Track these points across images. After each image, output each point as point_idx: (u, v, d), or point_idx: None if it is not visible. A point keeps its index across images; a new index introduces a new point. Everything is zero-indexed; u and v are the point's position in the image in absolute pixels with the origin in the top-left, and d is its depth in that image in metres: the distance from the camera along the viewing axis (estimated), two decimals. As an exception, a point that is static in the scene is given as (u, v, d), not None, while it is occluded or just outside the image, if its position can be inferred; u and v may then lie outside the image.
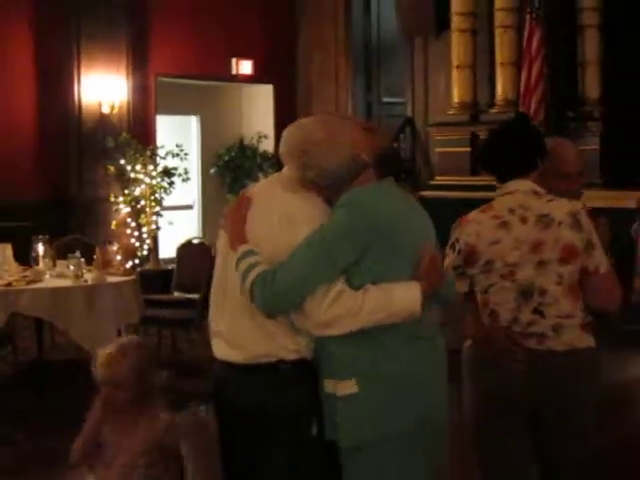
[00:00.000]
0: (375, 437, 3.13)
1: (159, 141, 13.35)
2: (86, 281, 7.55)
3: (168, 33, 13.44)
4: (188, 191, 14.52)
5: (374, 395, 3.12)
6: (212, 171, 14.84)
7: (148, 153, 12.51)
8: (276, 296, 3.05)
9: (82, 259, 7.67)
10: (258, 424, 3.18)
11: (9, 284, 7.33)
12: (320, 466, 3.21)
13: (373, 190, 3.19)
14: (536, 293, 3.69)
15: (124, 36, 12.88)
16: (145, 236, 12.74)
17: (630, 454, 4.54)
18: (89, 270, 7.72)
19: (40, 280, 7.52)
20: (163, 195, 12.70)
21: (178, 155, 12.79)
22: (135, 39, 13.05)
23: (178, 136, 13.80)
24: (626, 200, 9.68)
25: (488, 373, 3.78)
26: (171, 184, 12.70)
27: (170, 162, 12.75)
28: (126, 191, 12.55)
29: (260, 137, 14.74)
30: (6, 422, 6.79)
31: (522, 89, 11.04)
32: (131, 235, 12.69)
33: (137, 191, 12.54)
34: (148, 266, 12.48)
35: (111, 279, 7.76)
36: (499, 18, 11.70)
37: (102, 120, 12.74)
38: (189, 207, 15.08)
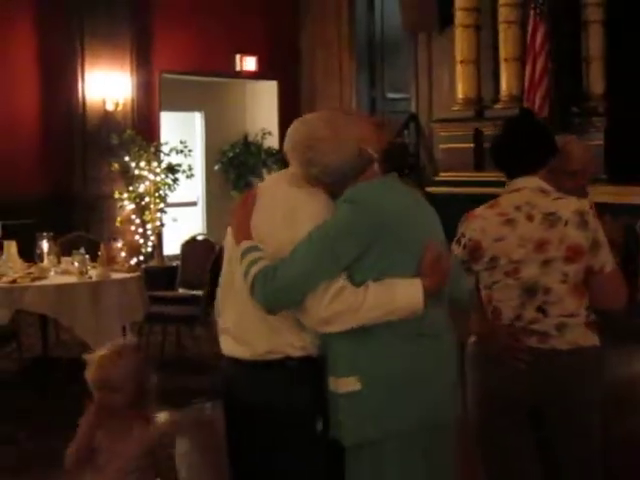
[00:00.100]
0: (377, 435, 3.13)
1: (163, 138, 13.35)
2: (91, 278, 7.55)
3: (172, 29, 13.43)
4: (192, 188, 14.52)
5: (375, 393, 3.11)
6: (216, 167, 14.83)
7: (152, 150, 12.52)
8: (277, 292, 3.04)
9: (87, 256, 7.67)
10: (266, 421, 3.18)
11: (14, 281, 7.34)
12: (325, 464, 3.21)
13: (377, 185, 3.18)
14: (540, 291, 3.68)
15: (128, 33, 12.88)
16: (149, 233, 12.75)
17: (634, 452, 4.54)
18: (94, 267, 7.72)
19: (45, 277, 7.52)
20: (167, 192, 12.71)
21: (182, 152, 12.79)
22: (139, 36, 13.05)
23: (182, 133, 13.79)
24: (631, 196, 9.67)
25: (491, 370, 3.77)
26: (175, 181, 12.71)
27: (174, 159, 12.75)
28: (130, 188, 12.56)
29: (264, 133, 14.73)
30: (9, 421, 6.80)
31: (526, 85, 11.03)
32: (135, 232, 12.70)
33: (141, 188, 12.55)
34: (152, 263, 12.49)
35: (115, 276, 7.76)
36: (503, 13, 11.68)
37: (106, 117, 12.75)
38: (193, 204, 15.09)
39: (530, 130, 3.87)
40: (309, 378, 3.18)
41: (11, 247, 7.84)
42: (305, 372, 3.17)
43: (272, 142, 14.59)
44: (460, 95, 12.16)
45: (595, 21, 11.56)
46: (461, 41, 12.06)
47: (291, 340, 3.16)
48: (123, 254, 8.54)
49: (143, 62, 13.14)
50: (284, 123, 13.83)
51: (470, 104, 12.14)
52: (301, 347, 3.16)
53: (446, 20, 12.53)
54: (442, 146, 12.51)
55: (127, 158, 12.47)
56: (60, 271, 7.73)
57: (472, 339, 3.88)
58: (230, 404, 3.32)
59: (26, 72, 12.44)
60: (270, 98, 14.90)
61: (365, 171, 3.20)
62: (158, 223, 12.74)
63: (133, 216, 12.69)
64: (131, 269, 8.29)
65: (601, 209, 3.84)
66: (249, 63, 14.50)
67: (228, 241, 3.31)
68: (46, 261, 7.83)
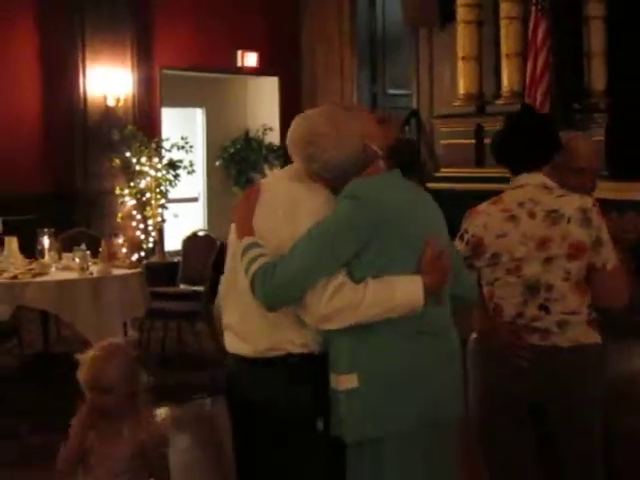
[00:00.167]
0: (376, 432, 3.12)
1: (164, 134, 13.35)
2: (92, 274, 7.56)
3: (173, 25, 13.43)
4: (193, 183, 14.54)
5: (375, 390, 3.10)
6: (217, 163, 14.84)
7: (153, 146, 12.52)
8: (276, 289, 3.04)
9: (88, 252, 7.67)
10: (268, 417, 3.18)
11: (15, 277, 7.34)
12: (326, 461, 3.21)
13: (377, 181, 3.17)
14: (542, 289, 3.67)
15: (129, 29, 12.88)
16: (150, 229, 12.75)
17: (635, 448, 4.53)
18: (95, 263, 7.72)
19: (46, 273, 7.53)
20: (168, 187, 12.70)
21: (183, 147, 12.79)
22: (140, 32, 13.04)
23: (183, 128, 13.80)
24: (633, 192, 9.65)
25: (492, 367, 3.77)
26: (176, 176, 12.71)
27: (175, 154, 12.75)
28: (131, 184, 12.56)
29: (265, 129, 14.73)
30: (10, 415, 6.81)
31: (527, 81, 11.00)
32: (136, 228, 12.70)
33: (142, 184, 12.55)
34: (154, 259, 12.49)
35: (117, 272, 7.77)
36: (504, 9, 11.65)
37: (107, 113, 12.75)
38: (194, 199, 15.10)
39: (534, 126, 3.85)
40: (310, 375, 3.18)
41: (12, 243, 7.84)
42: (306, 369, 3.18)
43: (273, 138, 14.59)
44: (461, 91, 12.14)
45: (596, 17, 11.53)
46: (462, 37, 12.03)
47: (292, 337, 3.16)
48: (124, 250, 8.56)
49: (144, 58, 13.14)
50: (285, 119, 13.83)
51: (471, 100, 12.11)
52: (302, 344, 3.16)
53: (447, 16, 12.51)
54: (443, 142, 12.48)
55: (128, 154, 12.47)
56: (61, 267, 7.74)
57: (474, 336, 3.88)
58: (233, 401, 3.33)
59: (27, 68, 12.43)
60: (271, 94, 14.89)
61: (368, 167, 3.19)
62: (159, 219, 12.74)
63: (134, 212, 12.69)
64: (132, 265, 8.29)
65: (604, 205, 3.81)
66: (250, 59, 14.49)
67: (232, 238, 3.31)
68: (47, 257, 7.84)
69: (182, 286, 9.16)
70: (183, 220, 13.04)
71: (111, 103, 12.73)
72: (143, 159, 12.45)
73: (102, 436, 3.60)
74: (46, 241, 7.92)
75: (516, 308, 3.71)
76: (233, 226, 3.30)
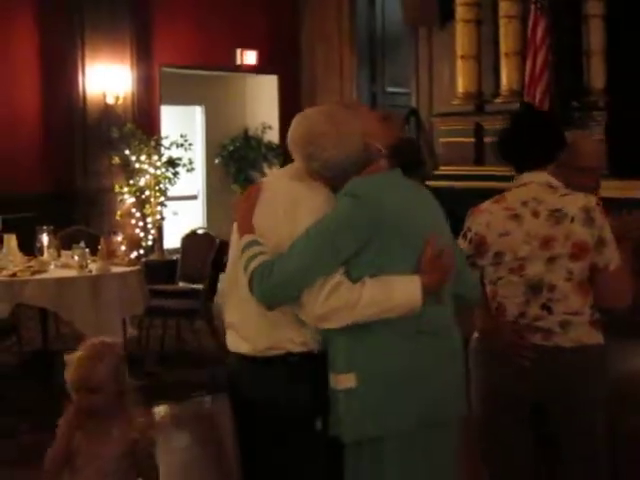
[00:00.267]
0: (375, 432, 3.12)
1: (163, 131, 13.35)
2: (91, 271, 7.55)
3: (172, 23, 13.42)
4: (192, 181, 14.54)
5: (373, 390, 3.10)
6: (216, 161, 14.85)
7: (152, 143, 12.52)
8: (274, 288, 3.04)
9: (87, 249, 7.66)
10: (267, 416, 3.19)
11: (14, 274, 7.34)
12: (325, 460, 3.21)
13: (378, 179, 3.17)
14: (545, 289, 3.65)
15: (128, 27, 12.87)
16: (150, 226, 12.75)
17: (638, 448, 4.53)
18: (94, 260, 7.72)
19: (45, 270, 7.52)
20: (167, 185, 12.71)
21: (182, 145, 12.79)
22: (139, 29, 13.04)
23: (182, 126, 13.80)
24: (634, 190, 9.65)
25: (494, 367, 3.76)
26: (175, 174, 12.71)
27: (174, 152, 12.75)
28: (131, 181, 12.56)
29: (264, 127, 14.73)
30: (9, 414, 6.81)
31: (527, 79, 11.00)
32: (136, 225, 12.70)
33: (142, 181, 12.55)
34: (153, 256, 12.49)
35: (116, 269, 7.76)
36: (503, 8, 11.65)
37: (107, 111, 12.74)
38: (193, 197, 15.10)
39: (538, 124, 3.84)
40: (310, 374, 3.18)
41: (11, 241, 7.83)
42: (306, 368, 3.18)
43: (272, 136, 14.59)
44: (460, 89, 12.14)
45: (596, 15, 11.53)
46: (462, 36, 12.03)
47: (291, 336, 3.16)
48: (123, 248, 8.54)
49: (143, 56, 13.13)
50: (284, 117, 13.83)
51: (470, 98, 12.11)
52: (301, 342, 3.16)
53: (447, 15, 12.51)
54: (442, 140, 12.48)
55: (127, 152, 12.47)
56: (60, 265, 7.73)
57: (476, 335, 3.87)
58: (234, 399, 3.34)
59: (27, 66, 12.43)
60: (270, 92, 14.89)
61: (369, 166, 3.19)
62: (158, 217, 12.75)
63: (133, 210, 12.69)
64: (131, 263, 8.28)
65: (606, 204, 3.80)
66: (249, 57, 14.49)
67: (234, 237, 3.31)
68: (46, 255, 7.83)
69: (181, 284, 9.16)
70: (182, 218, 13.04)
71: (110, 101, 12.72)
72: (142, 157, 12.45)
73: (90, 436, 3.57)
74: (45, 239, 7.91)
75: (519, 307, 3.70)
76: (235, 225, 3.31)
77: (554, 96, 10.98)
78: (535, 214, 3.69)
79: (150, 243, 12.80)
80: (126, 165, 12.53)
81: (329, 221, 3.06)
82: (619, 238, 3.75)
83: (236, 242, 3.25)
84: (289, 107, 13.65)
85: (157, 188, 12.59)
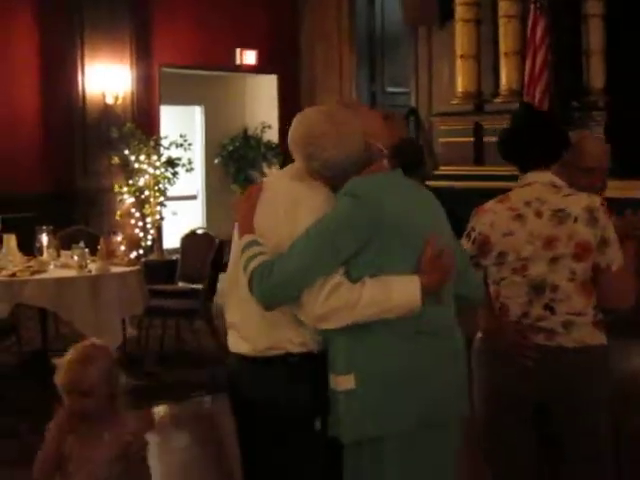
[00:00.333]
0: (375, 433, 3.11)
1: (163, 131, 13.35)
2: (90, 271, 7.55)
3: (172, 23, 13.42)
4: (192, 181, 14.54)
5: (372, 391, 3.09)
6: (216, 161, 14.85)
7: (152, 143, 12.52)
8: (273, 288, 3.03)
9: (86, 249, 7.66)
10: (267, 416, 3.18)
11: (13, 274, 7.34)
12: (324, 461, 3.20)
13: (378, 179, 3.16)
14: (548, 289, 3.64)
15: (128, 26, 12.88)
16: (149, 226, 12.75)
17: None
18: (93, 260, 7.71)
19: (44, 270, 7.52)
20: (167, 185, 12.70)
21: (182, 145, 12.79)
22: (139, 29, 13.04)
23: (182, 126, 13.80)
24: (635, 190, 9.65)
25: (497, 367, 3.74)
26: (175, 174, 12.71)
27: (174, 152, 12.75)
28: (130, 181, 12.56)
29: (264, 127, 14.73)
30: (10, 414, 6.80)
31: (526, 79, 11.01)
32: (135, 225, 12.70)
33: (141, 181, 12.55)
34: (152, 256, 12.49)
35: (115, 269, 7.76)
36: (503, 8, 11.66)
37: (106, 111, 12.74)
38: (193, 197, 15.10)
39: (541, 123, 3.82)
40: (310, 374, 3.17)
41: (11, 241, 7.83)
42: (306, 368, 3.17)
43: (272, 136, 14.59)
44: (460, 89, 12.14)
45: (595, 15, 11.55)
46: (461, 35, 12.04)
47: (290, 336, 3.15)
48: (123, 248, 8.53)
49: (143, 55, 13.13)
50: (284, 117, 13.84)
51: (470, 98, 12.12)
52: (301, 343, 3.16)
53: (446, 14, 12.52)
54: (442, 140, 12.49)
55: (127, 152, 12.47)
56: (60, 265, 7.73)
57: (479, 335, 3.85)
58: (234, 399, 3.33)
59: (26, 65, 12.43)
60: (270, 92, 14.89)
61: (369, 165, 3.18)
62: (158, 217, 12.75)
63: (133, 210, 12.69)
64: (131, 263, 8.28)
65: (608, 204, 3.77)
66: (249, 57, 14.49)
67: (236, 237, 3.31)
68: (45, 255, 7.83)
69: (181, 284, 9.15)
70: (182, 218, 13.04)
71: (110, 101, 12.72)
72: (142, 157, 12.45)
73: (82, 440, 3.51)
74: (45, 239, 7.90)
75: (521, 308, 3.68)
76: (236, 225, 3.30)
77: (553, 96, 10.99)
78: (538, 214, 3.67)
79: (149, 243, 12.80)
80: (125, 165, 12.53)
81: (329, 221, 3.05)
82: (623, 238, 3.73)
83: (237, 242, 3.25)
84: (288, 107, 13.66)
85: (156, 188, 12.59)
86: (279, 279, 3.01)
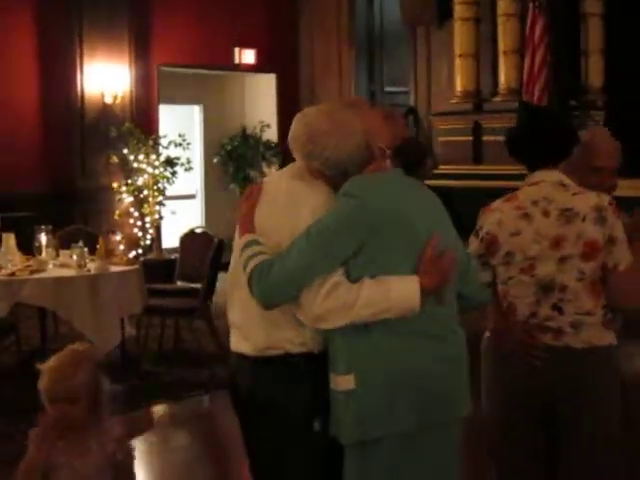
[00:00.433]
0: (374, 434, 3.10)
1: (162, 131, 13.34)
2: (89, 271, 7.54)
3: (170, 22, 13.42)
4: (191, 180, 14.54)
5: (372, 391, 3.08)
6: (215, 160, 14.84)
7: (151, 143, 12.51)
8: (272, 287, 3.02)
9: (85, 249, 7.65)
10: (267, 416, 3.18)
11: (12, 274, 7.33)
12: (324, 461, 3.20)
13: (377, 179, 3.15)
14: (556, 289, 3.61)
15: (126, 25, 12.87)
16: (148, 226, 12.75)
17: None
18: (92, 260, 7.71)
19: (43, 270, 7.51)
20: (166, 185, 12.70)
21: (181, 145, 12.78)
22: (137, 28, 13.04)
23: (181, 126, 13.79)
24: (634, 189, 9.64)
25: (505, 367, 3.73)
26: (174, 174, 12.70)
27: (173, 152, 12.74)
28: (129, 181, 12.56)
29: (263, 126, 14.72)
30: (8, 415, 6.79)
31: (525, 78, 11.03)
32: (134, 225, 12.70)
33: (140, 181, 12.55)
34: (151, 255, 12.49)
35: (114, 269, 7.75)
36: (502, 7, 11.68)
37: (105, 110, 12.74)
38: (192, 196, 15.10)
39: (549, 121, 3.79)
40: (310, 374, 3.17)
41: (10, 240, 7.82)
42: (306, 368, 3.17)
43: (271, 135, 14.58)
44: (459, 88, 12.16)
45: (594, 14, 11.57)
46: (460, 34, 12.05)
47: (290, 336, 3.14)
48: (122, 247, 8.53)
49: (142, 55, 13.13)
50: (283, 116, 13.83)
51: (469, 97, 12.13)
52: (300, 343, 3.15)
53: (445, 13, 12.53)
54: (441, 139, 12.51)
55: (126, 151, 12.46)
56: (59, 264, 7.72)
57: (487, 334, 3.84)
58: (235, 398, 3.33)
59: (25, 64, 12.42)
60: (269, 91, 14.89)
61: (370, 164, 3.17)
62: (157, 216, 12.74)
63: (132, 209, 12.69)
64: (130, 262, 8.27)
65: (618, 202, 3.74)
66: (248, 56, 14.50)
67: (237, 236, 3.30)
68: (44, 254, 7.82)
69: (179, 283, 9.15)
70: (180, 217, 13.04)
71: (108, 100, 12.72)
72: (140, 156, 12.45)
73: (69, 449, 3.41)
74: (43, 238, 7.89)
75: (529, 307, 3.66)
76: (238, 225, 3.30)
77: (552, 95, 11.01)
78: (545, 213, 3.65)
79: (148, 242, 12.79)
80: (124, 164, 12.53)
81: (329, 221, 3.04)
82: (631, 238, 3.70)
83: (238, 242, 3.25)
84: (287, 106, 13.67)
85: (155, 187, 12.59)
86: (278, 278, 3.01)
